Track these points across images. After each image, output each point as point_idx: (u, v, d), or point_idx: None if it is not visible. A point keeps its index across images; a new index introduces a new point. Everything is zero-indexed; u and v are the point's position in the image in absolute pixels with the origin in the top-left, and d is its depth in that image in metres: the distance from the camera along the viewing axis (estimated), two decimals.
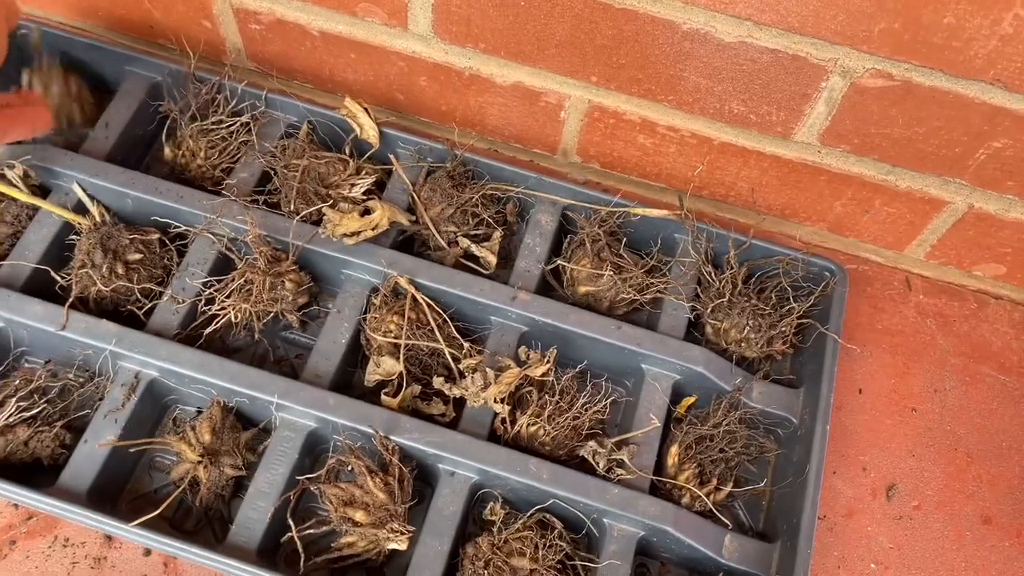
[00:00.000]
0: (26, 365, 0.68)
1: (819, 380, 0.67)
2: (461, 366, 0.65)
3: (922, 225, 0.74)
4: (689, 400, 0.69)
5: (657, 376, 0.68)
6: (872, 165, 0.70)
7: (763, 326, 0.69)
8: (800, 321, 0.70)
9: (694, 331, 0.72)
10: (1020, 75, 0.58)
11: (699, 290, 0.71)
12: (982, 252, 0.75)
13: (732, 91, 0.67)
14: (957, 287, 0.79)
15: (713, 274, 0.71)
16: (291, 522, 0.59)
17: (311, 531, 0.60)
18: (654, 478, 0.63)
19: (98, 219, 0.69)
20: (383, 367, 0.65)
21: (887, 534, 0.68)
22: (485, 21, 0.68)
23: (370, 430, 0.61)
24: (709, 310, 0.69)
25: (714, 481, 0.65)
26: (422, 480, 0.65)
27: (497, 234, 0.72)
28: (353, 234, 0.67)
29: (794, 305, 0.70)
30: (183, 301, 0.66)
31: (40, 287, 0.67)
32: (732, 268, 0.71)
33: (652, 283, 0.70)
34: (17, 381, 0.63)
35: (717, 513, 0.64)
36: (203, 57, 0.75)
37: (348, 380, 0.68)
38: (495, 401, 0.63)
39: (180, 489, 0.61)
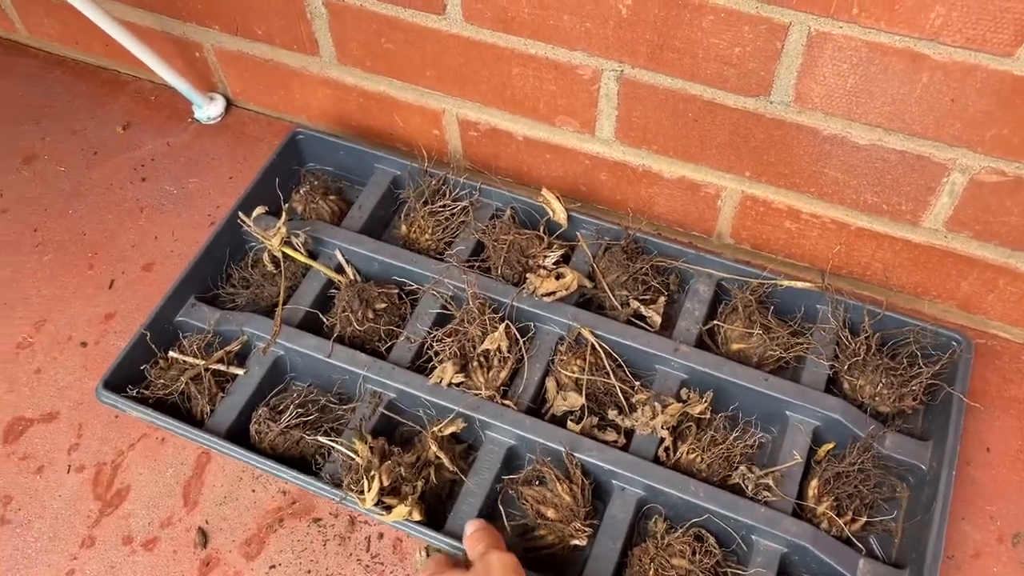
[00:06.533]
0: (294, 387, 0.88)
1: (946, 432, 0.77)
2: (632, 400, 0.80)
3: None
4: (828, 446, 0.80)
5: (799, 422, 0.80)
6: (993, 249, 0.80)
7: (895, 383, 0.79)
8: (929, 382, 0.80)
9: (832, 388, 0.83)
10: None
11: (837, 351, 0.83)
12: None
13: (866, 184, 0.80)
14: None
15: (850, 338, 0.83)
16: (501, 509, 0.74)
17: (510, 523, 0.75)
18: (796, 502, 0.75)
19: (352, 277, 0.90)
20: (568, 400, 0.81)
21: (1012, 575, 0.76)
22: (659, 129, 0.85)
23: (559, 447, 0.77)
24: (846, 368, 0.81)
25: (850, 513, 0.75)
26: (597, 497, 0.79)
27: (662, 299, 0.87)
28: (549, 294, 0.85)
29: (923, 368, 0.80)
30: (415, 340, 0.85)
31: (309, 326, 0.88)
32: (867, 332, 0.82)
33: (796, 343, 0.83)
34: (294, 395, 0.83)
35: (853, 539, 0.74)
36: (430, 157, 0.97)
37: (536, 410, 0.84)
38: (661, 428, 0.77)
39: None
